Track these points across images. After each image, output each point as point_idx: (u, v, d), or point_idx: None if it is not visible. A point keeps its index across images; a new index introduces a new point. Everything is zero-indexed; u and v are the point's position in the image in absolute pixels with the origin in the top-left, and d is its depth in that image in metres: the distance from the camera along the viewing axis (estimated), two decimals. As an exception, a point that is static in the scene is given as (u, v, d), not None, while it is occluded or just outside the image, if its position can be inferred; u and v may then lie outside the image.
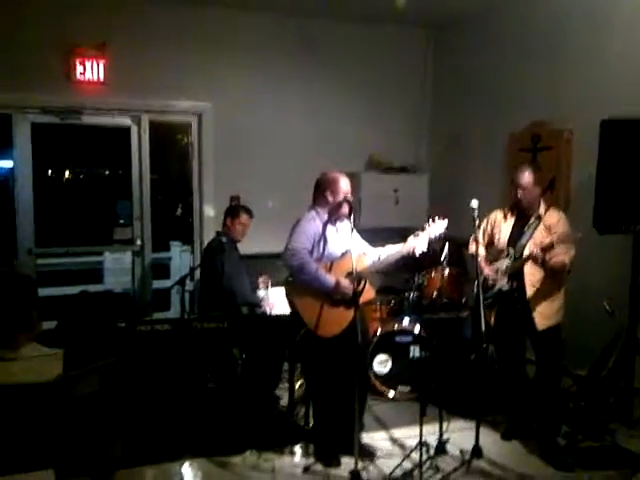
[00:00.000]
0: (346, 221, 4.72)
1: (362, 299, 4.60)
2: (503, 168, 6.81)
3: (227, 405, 5.22)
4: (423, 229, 4.67)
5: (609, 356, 5.13)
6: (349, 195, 4.66)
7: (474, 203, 4.64)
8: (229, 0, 6.78)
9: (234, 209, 5.97)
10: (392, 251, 4.69)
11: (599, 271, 5.34)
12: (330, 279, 4.48)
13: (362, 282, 4.61)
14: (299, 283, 4.54)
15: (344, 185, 4.66)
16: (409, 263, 5.54)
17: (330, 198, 4.64)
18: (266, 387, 5.63)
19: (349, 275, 4.49)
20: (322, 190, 4.68)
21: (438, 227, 4.67)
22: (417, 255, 4.65)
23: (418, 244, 4.59)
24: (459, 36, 7.64)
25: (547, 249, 4.60)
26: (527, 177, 4.81)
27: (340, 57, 7.53)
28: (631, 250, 5.12)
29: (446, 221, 4.70)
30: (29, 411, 3.74)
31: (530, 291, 4.77)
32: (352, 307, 4.44)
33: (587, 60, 5.92)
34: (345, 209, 4.62)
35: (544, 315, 4.77)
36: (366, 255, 4.76)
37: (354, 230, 4.61)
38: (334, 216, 4.66)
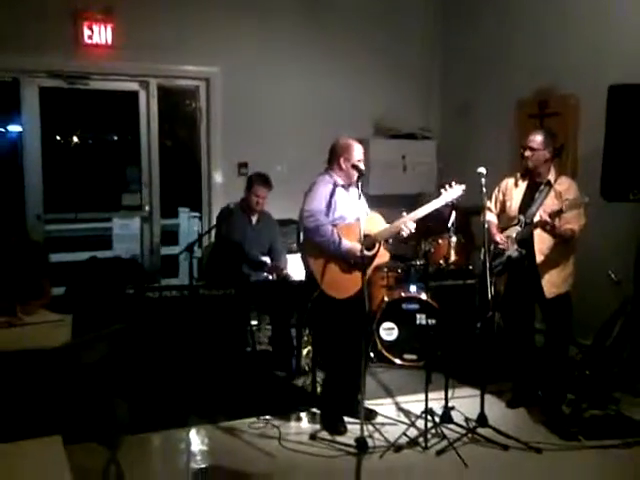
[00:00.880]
0: (354, 188, 4.71)
1: (377, 262, 4.68)
2: (511, 134, 6.79)
3: (235, 372, 5.28)
4: (439, 195, 4.70)
5: (614, 325, 5.13)
6: (361, 162, 4.65)
7: (482, 170, 4.61)
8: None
9: (248, 180, 5.94)
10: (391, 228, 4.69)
11: (605, 240, 5.32)
12: (345, 243, 4.49)
13: (377, 245, 4.63)
14: (314, 245, 4.53)
15: (357, 151, 4.67)
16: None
17: (343, 164, 4.65)
18: (277, 354, 5.71)
19: (363, 239, 4.45)
20: (336, 155, 4.70)
21: (454, 192, 4.69)
22: (404, 237, 4.67)
23: (405, 227, 4.60)
24: (467, 3, 7.55)
25: (556, 216, 4.59)
26: (537, 139, 4.80)
27: (349, 20, 7.46)
28: (638, 218, 5.08)
29: (463, 186, 4.71)
30: (37, 376, 3.79)
31: (539, 258, 4.76)
32: (366, 271, 4.46)
33: (594, 25, 5.89)
34: (355, 175, 4.62)
35: (553, 283, 4.78)
36: (380, 218, 4.77)
37: (362, 197, 4.61)
38: (347, 181, 4.66)
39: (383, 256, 4.75)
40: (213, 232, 6.06)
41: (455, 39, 7.76)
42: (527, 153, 4.82)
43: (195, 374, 5.02)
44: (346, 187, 4.67)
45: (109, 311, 4.88)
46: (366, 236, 4.46)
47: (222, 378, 5.23)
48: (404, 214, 4.65)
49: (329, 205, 4.56)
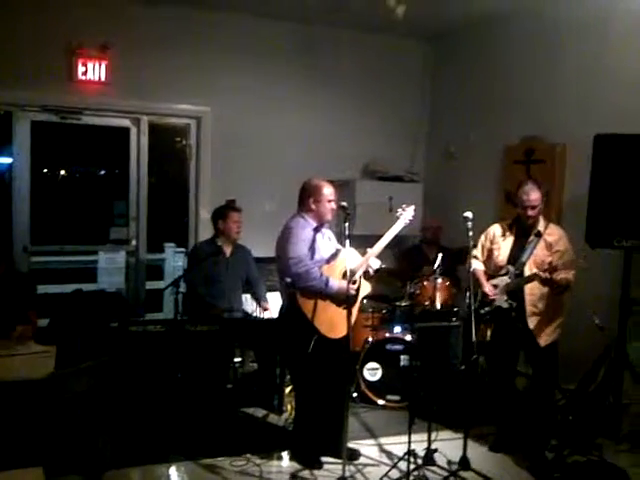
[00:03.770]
0: (328, 229, 4.84)
1: (361, 294, 4.77)
2: (498, 180, 6.88)
3: (217, 408, 5.25)
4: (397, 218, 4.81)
5: (598, 370, 5.16)
6: (332, 202, 4.72)
7: (468, 214, 4.67)
8: (231, 4, 6.80)
9: (220, 211, 6.01)
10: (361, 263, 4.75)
11: (589, 285, 5.37)
12: (333, 282, 4.55)
13: (357, 280, 4.68)
14: (303, 288, 4.55)
15: (327, 192, 4.72)
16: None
17: (313, 205, 4.70)
18: (259, 391, 5.68)
19: (345, 275, 4.52)
20: (306, 197, 4.75)
21: (406, 215, 4.81)
22: (372, 274, 4.76)
23: (372, 263, 4.72)
24: (457, 48, 7.69)
25: (551, 271, 4.64)
26: (537, 195, 4.83)
27: (339, 64, 7.56)
28: (622, 265, 5.14)
29: (413, 206, 4.84)
30: (20, 407, 3.76)
31: (530, 310, 4.81)
32: (354, 305, 4.57)
33: (580, 76, 6.00)
34: (329, 216, 4.69)
35: (545, 332, 4.82)
36: (354, 252, 4.78)
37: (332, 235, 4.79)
38: (319, 222, 4.72)
39: (365, 287, 4.79)
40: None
41: (445, 85, 7.88)
42: (531, 212, 4.83)
43: (177, 409, 4.99)
44: (318, 228, 4.72)
45: (93, 344, 4.86)
46: (345, 273, 4.52)
47: (204, 414, 5.20)
48: (368, 250, 4.71)
49: (312, 249, 4.60)
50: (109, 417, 4.53)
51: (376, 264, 4.76)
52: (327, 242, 4.76)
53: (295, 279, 4.53)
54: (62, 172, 9.81)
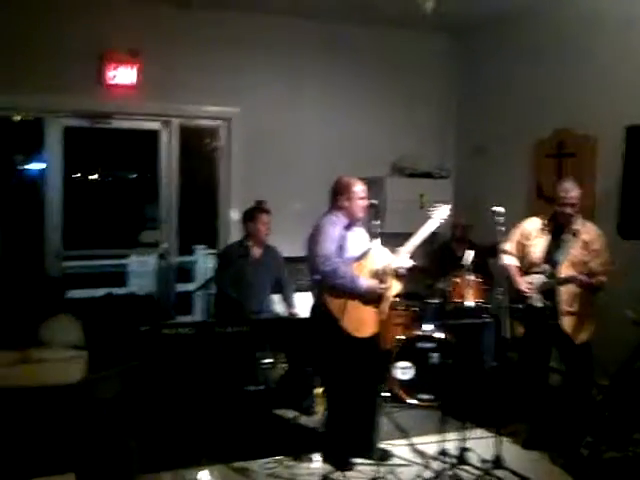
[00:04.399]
0: (360, 227, 4.80)
1: (391, 294, 4.70)
2: (529, 174, 6.81)
3: (248, 410, 5.24)
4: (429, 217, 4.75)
5: (633, 365, 5.06)
6: (364, 200, 4.69)
7: (499, 209, 4.60)
8: (256, 4, 6.81)
9: (249, 213, 6.01)
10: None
11: (623, 278, 5.26)
12: (363, 281, 4.52)
13: (387, 278, 4.63)
14: (332, 286, 4.53)
15: (358, 190, 4.70)
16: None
17: (346, 203, 4.68)
18: (290, 392, 5.67)
19: (375, 274, 4.53)
20: (337, 195, 4.74)
21: (441, 214, 4.75)
22: (404, 273, 4.69)
23: (400, 263, 4.65)
24: (484, 42, 7.63)
25: (591, 275, 4.61)
26: (576, 193, 4.80)
27: (366, 61, 7.55)
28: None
29: (449, 205, 4.77)
30: (51, 413, 3.79)
31: (565, 309, 4.78)
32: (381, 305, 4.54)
33: (611, 67, 5.91)
34: (360, 214, 4.66)
35: (580, 331, 4.80)
36: (386, 251, 4.76)
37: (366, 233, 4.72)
38: (351, 220, 4.69)
39: (395, 287, 4.75)
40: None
41: (473, 78, 7.81)
42: (570, 210, 4.81)
43: (208, 412, 4.99)
44: (350, 225, 4.69)
45: (124, 348, 4.88)
46: (376, 270, 4.53)
47: (235, 417, 5.19)
48: (400, 249, 4.66)
49: (341, 247, 4.57)
50: (140, 421, 4.54)
51: (408, 263, 4.72)
52: (359, 240, 4.72)
53: (323, 277, 4.53)
54: (94, 176, 9.90)
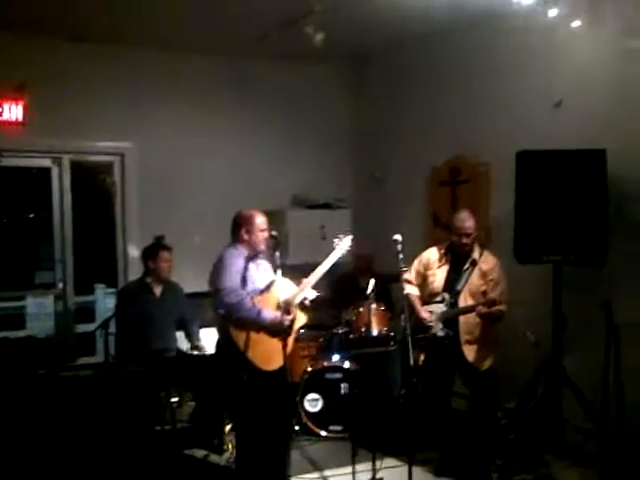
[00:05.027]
0: (263, 259, 4.79)
1: (296, 325, 4.70)
2: (425, 203, 6.93)
3: (154, 451, 5.08)
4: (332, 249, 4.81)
5: (536, 387, 5.18)
6: (265, 232, 4.69)
7: (397, 237, 4.64)
8: (154, 39, 6.72)
9: (150, 250, 5.90)
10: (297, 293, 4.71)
11: (521, 302, 5.40)
12: (267, 313, 4.49)
13: (292, 310, 4.62)
14: (236, 320, 4.47)
15: (259, 222, 4.70)
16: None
17: (246, 235, 4.67)
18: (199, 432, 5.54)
19: (279, 305, 4.52)
20: (238, 227, 4.72)
21: (344, 244, 4.82)
22: (308, 304, 4.70)
23: (307, 294, 4.68)
24: (378, 71, 7.74)
25: (491, 305, 4.70)
26: (471, 223, 4.92)
27: (264, 94, 7.53)
28: (551, 280, 5.19)
29: (351, 236, 4.83)
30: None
31: (465, 338, 4.88)
32: (287, 337, 4.50)
33: (502, 93, 6.08)
34: (262, 246, 4.65)
35: (483, 358, 4.90)
36: (289, 282, 4.77)
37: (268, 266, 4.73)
38: (252, 252, 4.66)
39: (300, 319, 4.74)
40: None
41: (368, 109, 7.90)
42: (466, 240, 4.92)
43: (112, 456, 4.81)
44: (252, 258, 4.66)
45: (21, 393, 4.66)
46: (284, 302, 4.51)
47: (141, 458, 5.01)
48: (304, 280, 4.67)
49: (244, 279, 4.53)
50: (42, 469, 4.34)
51: (312, 294, 4.71)
52: (262, 273, 4.71)
53: (228, 310, 4.47)
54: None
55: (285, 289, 4.62)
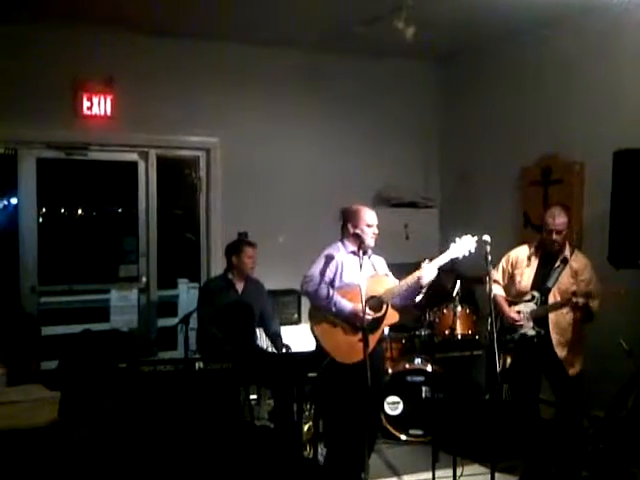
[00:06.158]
0: (374, 255, 4.73)
1: (386, 323, 4.58)
2: (515, 203, 6.72)
3: (233, 448, 5.04)
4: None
5: (628, 396, 4.93)
6: (372, 227, 4.60)
7: (486, 237, 4.47)
8: (237, 34, 6.71)
9: (234, 246, 5.87)
10: (406, 281, 4.54)
11: (615, 308, 5.16)
12: (347, 304, 4.41)
13: (384, 306, 4.52)
14: (317, 309, 4.49)
15: (365, 217, 4.63)
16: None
17: (352, 230, 4.59)
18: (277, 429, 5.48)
19: (370, 300, 4.41)
20: (344, 222, 4.69)
21: (468, 243, 4.53)
22: (423, 284, 4.49)
23: (425, 273, 4.45)
24: (467, 69, 7.58)
25: (587, 297, 4.52)
26: (563, 219, 4.73)
27: (349, 91, 7.45)
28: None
29: (474, 237, 4.53)
30: (20, 456, 3.61)
31: (557, 339, 4.69)
32: (374, 332, 4.44)
33: (597, 91, 5.86)
34: (369, 241, 4.57)
35: (574, 361, 4.71)
36: (388, 277, 4.68)
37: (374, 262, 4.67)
38: (360, 247, 4.45)
39: (392, 316, 4.61)
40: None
41: (456, 106, 7.75)
42: (557, 237, 4.72)
43: (191, 452, 4.79)
44: (358, 253, 4.46)
45: (101, 387, 4.69)
46: (372, 297, 4.43)
47: (220, 456, 4.98)
48: (425, 262, 4.50)
49: (323, 272, 4.48)
50: (118, 462, 4.34)
51: (433, 274, 4.51)
52: (367, 268, 4.52)
53: (308, 298, 4.52)
54: (71, 209, 9.76)
55: (380, 284, 4.53)
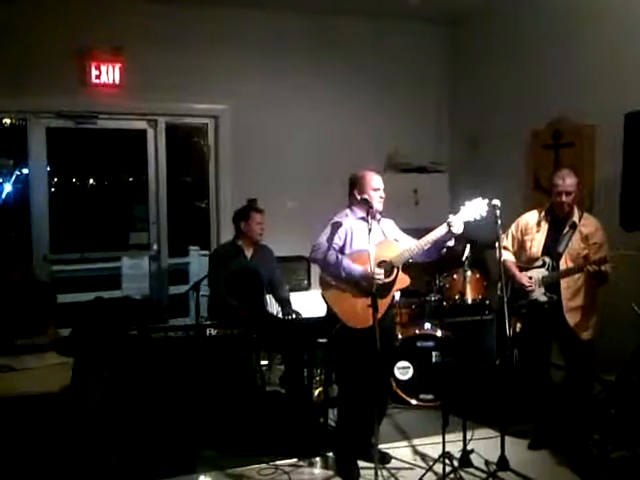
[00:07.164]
0: (383, 219, 4.70)
1: (397, 287, 4.56)
2: (525, 166, 6.68)
3: (244, 414, 5.09)
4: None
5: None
6: (378, 191, 4.56)
7: (496, 201, 4.45)
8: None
9: (242, 212, 5.86)
10: (429, 236, 4.47)
11: (627, 272, 5.13)
12: (357, 267, 4.38)
13: (395, 270, 4.50)
14: (328, 275, 4.47)
15: (371, 181, 4.58)
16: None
17: (358, 196, 4.55)
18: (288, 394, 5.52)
19: (380, 264, 4.39)
20: (351, 189, 4.65)
21: (476, 207, 4.44)
22: (455, 233, 4.39)
23: (455, 223, 4.36)
24: (477, 32, 7.50)
25: (602, 263, 4.45)
26: (572, 180, 4.65)
27: (357, 55, 7.41)
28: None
29: (485, 200, 4.45)
30: (34, 422, 3.67)
31: (569, 305, 4.64)
32: (385, 297, 4.44)
33: (608, 52, 5.76)
34: (376, 205, 4.52)
35: (587, 326, 4.65)
36: (398, 242, 4.64)
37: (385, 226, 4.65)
38: (369, 212, 4.39)
39: (403, 280, 4.57)
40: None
41: (466, 71, 7.69)
42: (566, 198, 4.66)
43: (202, 417, 4.84)
44: (366, 219, 4.42)
45: (112, 353, 4.73)
46: (382, 262, 4.41)
47: (230, 421, 5.03)
48: (450, 216, 4.41)
49: (331, 239, 4.46)
50: (129, 428, 4.39)
51: (460, 226, 4.38)
52: (377, 233, 4.49)
53: (317, 264, 4.52)
54: (82, 178, 9.78)
55: (390, 249, 4.51)
